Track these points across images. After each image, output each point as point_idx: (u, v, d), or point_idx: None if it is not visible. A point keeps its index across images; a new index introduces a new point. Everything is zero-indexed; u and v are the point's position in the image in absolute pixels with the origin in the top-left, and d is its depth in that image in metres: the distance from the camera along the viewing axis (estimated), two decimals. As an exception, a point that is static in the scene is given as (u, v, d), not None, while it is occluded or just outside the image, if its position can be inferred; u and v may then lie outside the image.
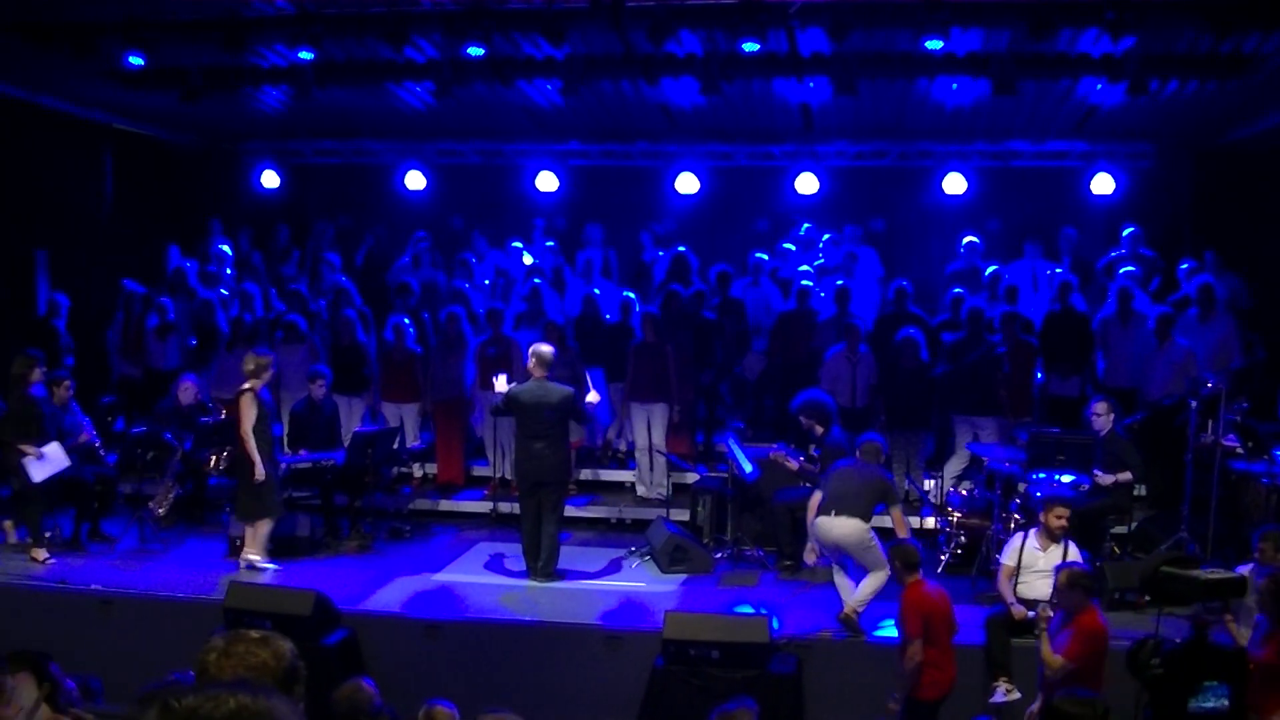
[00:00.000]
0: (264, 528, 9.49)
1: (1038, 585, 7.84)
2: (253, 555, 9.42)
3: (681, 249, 13.28)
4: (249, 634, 2.93)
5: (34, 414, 9.56)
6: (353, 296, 13.01)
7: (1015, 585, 7.95)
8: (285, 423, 11.29)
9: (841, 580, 8.51)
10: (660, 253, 14.04)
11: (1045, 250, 13.44)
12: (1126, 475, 9.37)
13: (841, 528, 8.29)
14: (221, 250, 14.14)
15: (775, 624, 8.07)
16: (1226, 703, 5.97)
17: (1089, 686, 6.80)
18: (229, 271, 13.98)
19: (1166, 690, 5.99)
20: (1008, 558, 8.05)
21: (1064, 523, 7.90)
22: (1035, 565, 7.93)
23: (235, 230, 14.81)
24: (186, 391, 11.01)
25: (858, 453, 8.86)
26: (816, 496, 8.59)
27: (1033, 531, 8.06)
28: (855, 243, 13.88)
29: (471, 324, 12.20)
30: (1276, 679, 6.23)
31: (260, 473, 9.25)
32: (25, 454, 9.45)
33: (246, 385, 9.40)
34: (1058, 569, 7.15)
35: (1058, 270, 12.84)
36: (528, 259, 14.00)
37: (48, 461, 9.60)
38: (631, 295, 12.55)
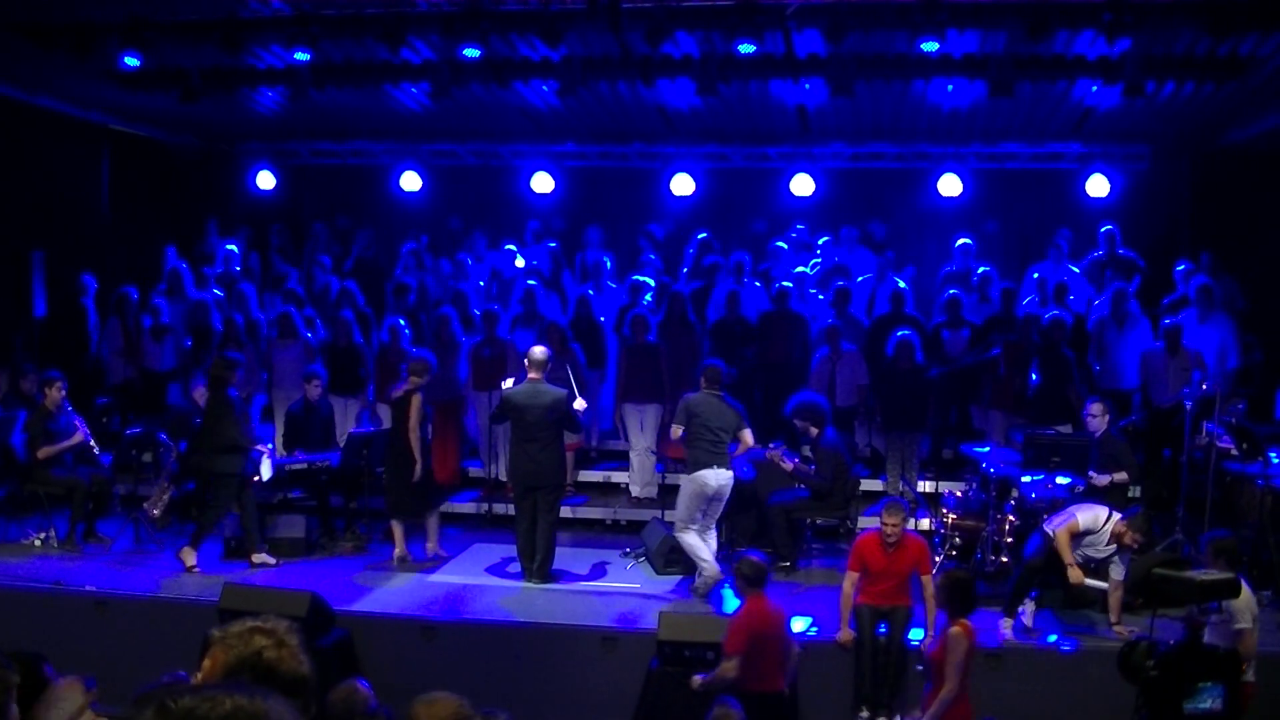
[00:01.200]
0: (435, 521, 10.11)
1: (1091, 556, 8.18)
2: (432, 545, 10.03)
3: (703, 235, 13.27)
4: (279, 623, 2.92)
5: (239, 416, 9.60)
6: (355, 298, 13.00)
7: (1081, 543, 8.12)
8: (280, 423, 11.26)
9: (697, 540, 8.95)
10: (653, 256, 14.00)
11: (1064, 253, 13.43)
12: (1122, 475, 9.39)
13: (722, 479, 8.90)
14: (230, 250, 14.14)
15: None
16: (1221, 704, 5.97)
17: (755, 676, 6.97)
18: (237, 269, 13.97)
19: (1161, 692, 5.99)
20: (1086, 519, 8.08)
21: (1135, 546, 8.17)
22: (1098, 551, 8.14)
23: (232, 231, 14.81)
24: (202, 395, 10.97)
25: (702, 381, 9.15)
26: (679, 430, 8.96)
27: (1116, 517, 8.13)
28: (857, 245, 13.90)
29: (469, 325, 12.18)
30: (940, 673, 6.64)
31: (419, 471, 9.63)
32: (260, 452, 9.87)
33: (409, 386, 9.66)
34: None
35: (1036, 275, 12.82)
36: (520, 261, 13.99)
37: (270, 459, 10.08)
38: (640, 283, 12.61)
